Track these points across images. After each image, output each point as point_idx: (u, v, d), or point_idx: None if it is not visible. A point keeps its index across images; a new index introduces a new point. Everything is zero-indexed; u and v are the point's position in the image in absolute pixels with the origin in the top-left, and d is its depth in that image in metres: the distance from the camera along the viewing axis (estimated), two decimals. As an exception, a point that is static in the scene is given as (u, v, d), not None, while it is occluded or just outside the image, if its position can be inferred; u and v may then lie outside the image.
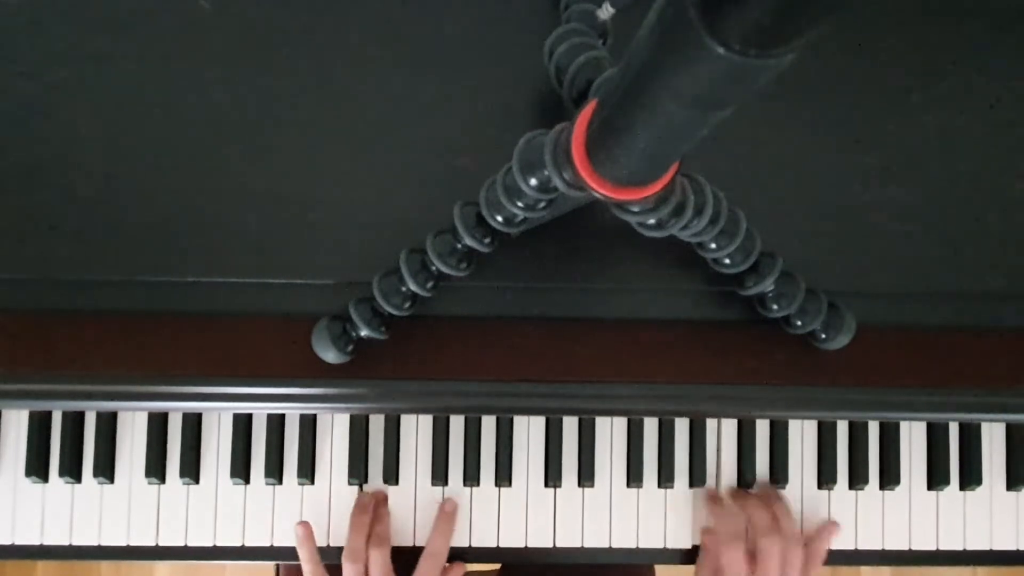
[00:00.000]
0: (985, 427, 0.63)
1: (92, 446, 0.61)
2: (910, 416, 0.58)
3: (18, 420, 0.61)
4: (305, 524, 0.60)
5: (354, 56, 0.51)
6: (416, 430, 0.62)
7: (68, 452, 0.60)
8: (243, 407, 0.55)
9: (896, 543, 0.63)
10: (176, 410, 0.61)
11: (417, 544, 0.61)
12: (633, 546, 0.62)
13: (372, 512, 0.60)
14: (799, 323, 0.47)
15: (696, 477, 0.62)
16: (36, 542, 0.61)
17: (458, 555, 0.62)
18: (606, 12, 0.46)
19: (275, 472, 0.61)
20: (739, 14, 0.18)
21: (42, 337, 0.49)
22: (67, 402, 0.54)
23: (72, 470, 0.60)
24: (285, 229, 0.50)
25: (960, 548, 0.63)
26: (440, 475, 0.61)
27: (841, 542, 0.63)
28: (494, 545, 0.62)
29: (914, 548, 0.63)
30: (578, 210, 0.48)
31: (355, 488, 0.61)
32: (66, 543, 0.61)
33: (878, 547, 0.63)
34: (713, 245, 0.45)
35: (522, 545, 0.62)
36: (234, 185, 0.50)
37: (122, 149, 0.50)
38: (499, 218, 0.43)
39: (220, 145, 0.50)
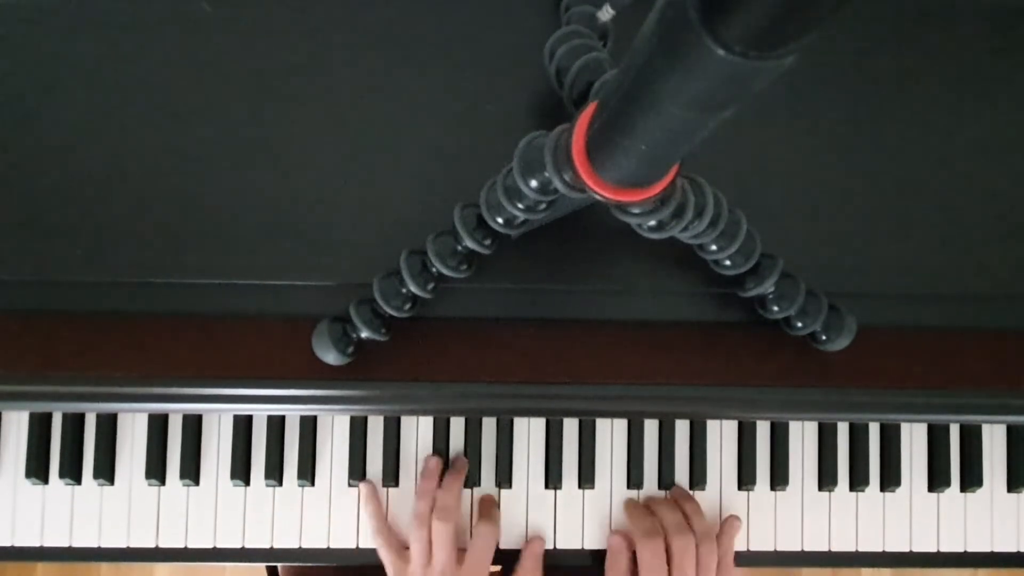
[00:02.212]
0: (986, 428, 0.63)
1: (92, 448, 0.61)
2: (911, 418, 0.58)
3: (18, 422, 0.61)
4: (368, 482, 0.60)
5: (355, 57, 0.51)
6: (416, 432, 0.62)
7: (68, 454, 0.60)
8: (243, 408, 0.55)
9: (897, 545, 0.63)
10: (176, 411, 0.61)
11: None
12: (633, 548, 0.62)
13: (439, 479, 0.60)
14: (800, 325, 0.47)
15: (696, 479, 0.62)
16: (36, 544, 0.61)
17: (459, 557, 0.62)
18: (607, 14, 0.46)
19: (275, 474, 0.61)
20: (740, 16, 0.18)
21: (42, 338, 0.49)
22: (67, 403, 0.54)
23: (72, 472, 0.60)
24: (286, 230, 0.50)
25: (961, 550, 0.63)
26: (440, 477, 0.61)
27: (842, 543, 0.63)
28: (494, 547, 0.62)
29: (915, 550, 0.63)
30: (578, 212, 0.48)
31: (355, 490, 0.61)
32: (66, 545, 0.61)
33: (879, 548, 0.63)
34: (714, 247, 0.45)
35: (524, 544, 0.62)
36: (234, 186, 0.50)
37: (123, 150, 0.50)
38: (499, 220, 0.43)
39: (220, 146, 0.50)
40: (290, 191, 0.50)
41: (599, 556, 0.62)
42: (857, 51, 0.53)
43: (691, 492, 0.62)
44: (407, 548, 0.58)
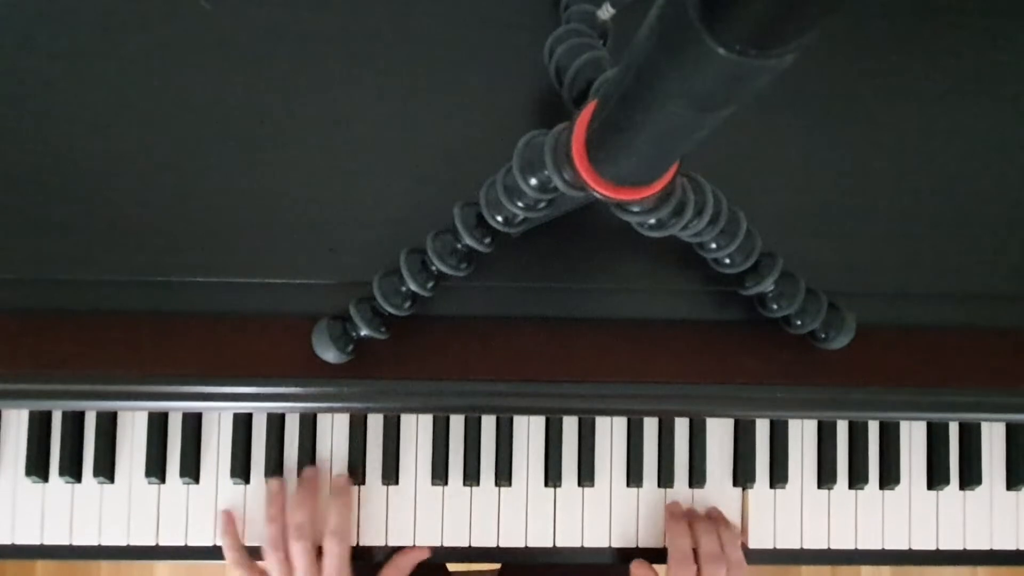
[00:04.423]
0: (985, 427, 0.63)
1: (92, 446, 0.61)
2: (910, 416, 0.58)
3: (18, 420, 0.61)
4: (225, 512, 0.60)
5: (355, 56, 0.51)
6: (416, 430, 0.62)
7: (68, 452, 0.60)
8: (243, 407, 0.55)
9: (896, 543, 0.63)
10: (176, 410, 0.61)
11: (416, 543, 0.61)
12: (633, 546, 0.62)
13: (289, 501, 0.59)
14: (799, 323, 0.47)
15: (696, 477, 0.62)
16: (36, 542, 0.61)
17: (458, 555, 0.62)
18: (606, 12, 0.46)
19: (275, 472, 0.61)
20: (739, 15, 0.18)
21: (42, 337, 0.49)
22: (67, 402, 0.54)
23: (72, 470, 0.60)
24: (285, 229, 0.50)
25: (960, 548, 0.63)
26: (440, 475, 0.61)
27: (841, 541, 0.63)
28: (494, 545, 0.62)
29: (914, 548, 0.63)
30: (578, 210, 0.48)
31: (355, 488, 0.61)
32: (66, 543, 0.61)
33: (878, 547, 0.63)
34: (713, 245, 0.45)
35: (522, 545, 0.62)
36: (234, 185, 0.50)
37: (122, 149, 0.50)
38: (499, 218, 0.43)
39: (220, 145, 0.50)
40: (290, 190, 0.50)
41: (599, 554, 0.62)
42: (857, 50, 0.53)
43: (691, 490, 0.62)
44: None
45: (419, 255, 0.45)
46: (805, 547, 0.63)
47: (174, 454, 0.61)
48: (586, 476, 0.61)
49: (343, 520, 0.58)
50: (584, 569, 0.66)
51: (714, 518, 0.61)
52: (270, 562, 0.57)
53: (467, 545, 0.62)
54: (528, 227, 0.48)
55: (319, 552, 0.57)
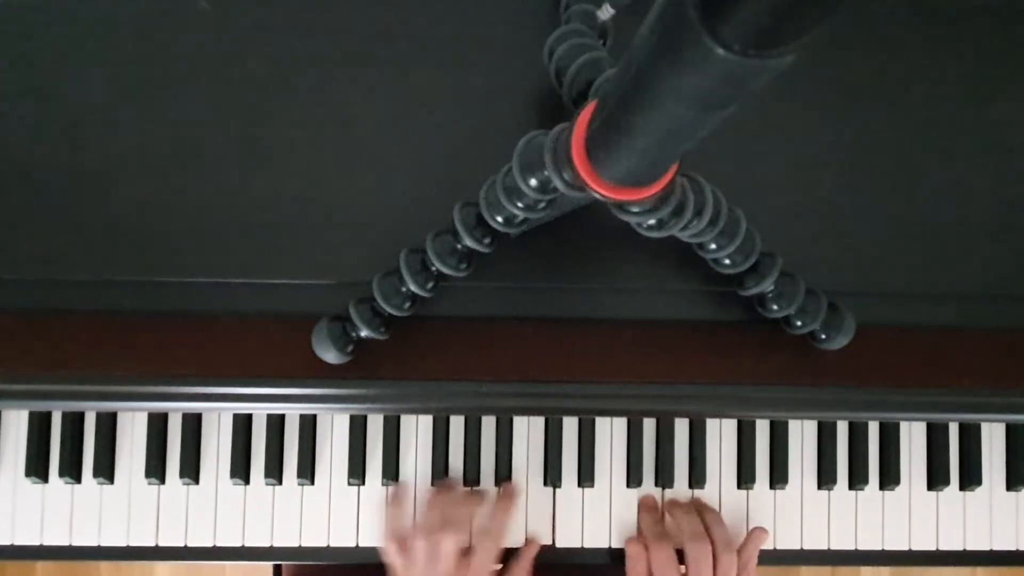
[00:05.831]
0: (985, 427, 0.63)
1: (92, 446, 0.61)
2: (910, 416, 0.58)
3: (18, 420, 0.61)
4: (404, 487, 0.61)
5: (354, 56, 0.51)
6: (416, 430, 0.62)
7: (68, 452, 0.60)
8: (243, 407, 0.55)
9: (896, 543, 0.63)
10: (176, 410, 0.61)
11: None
12: (633, 546, 0.62)
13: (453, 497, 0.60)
14: (799, 323, 0.47)
15: (696, 477, 0.62)
16: (36, 542, 0.61)
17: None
18: (606, 12, 0.46)
19: (275, 472, 0.61)
20: (739, 15, 0.18)
21: (42, 337, 0.49)
22: (67, 402, 0.54)
23: (72, 470, 0.60)
24: (285, 229, 0.50)
25: (960, 548, 0.63)
26: (440, 475, 0.61)
27: (841, 542, 0.63)
28: (494, 545, 0.62)
29: (914, 548, 0.63)
30: (578, 211, 0.48)
31: (355, 488, 0.61)
32: (66, 543, 0.61)
33: (878, 547, 0.63)
34: (713, 245, 0.45)
35: (522, 545, 0.62)
36: (234, 185, 0.50)
37: (122, 149, 0.50)
38: (499, 218, 0.43)
39: (220, 145, 0.50)
40: (290, 190, 0.50)
41: (599, 554, 0.62)
42: (857, 50, 0.53)
43: (691, 490, 0.62)
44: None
45: (419, 255, 0.45)
46: (805, 548, 0.63)
47: (174, 454, 0.61)
48: (586, 476, 0.61)
49: (502, 522, 0.59)
50: (584, 569, 0.66)
51: (696, 504, 0.61)
52: (418, 545, 0.57)
53: (467, 545, 0.61)
54: (528, 227, 0.48)
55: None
